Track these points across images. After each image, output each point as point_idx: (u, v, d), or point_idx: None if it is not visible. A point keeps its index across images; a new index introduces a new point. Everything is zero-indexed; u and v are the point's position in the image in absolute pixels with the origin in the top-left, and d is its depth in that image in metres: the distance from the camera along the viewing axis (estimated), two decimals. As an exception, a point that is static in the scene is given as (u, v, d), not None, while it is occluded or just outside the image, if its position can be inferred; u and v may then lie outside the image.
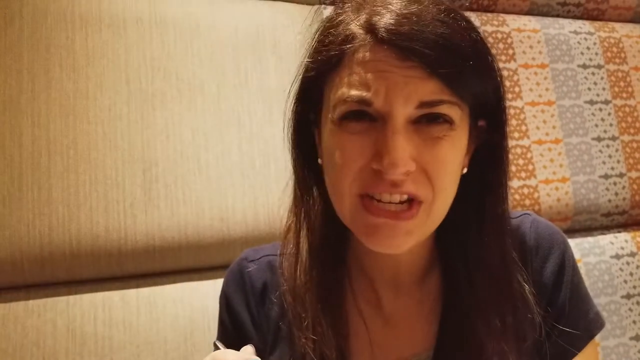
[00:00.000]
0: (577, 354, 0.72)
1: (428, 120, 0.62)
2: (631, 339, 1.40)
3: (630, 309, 1.42)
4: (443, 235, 0.71)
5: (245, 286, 0.76)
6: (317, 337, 0.67)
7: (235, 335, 0.76)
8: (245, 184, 1.12)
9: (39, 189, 0.99)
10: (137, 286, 1.07)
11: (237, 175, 1.12)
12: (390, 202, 0.61)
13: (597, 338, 1.30)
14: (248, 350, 0.55)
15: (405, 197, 0.61)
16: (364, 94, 0.60)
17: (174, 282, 1.09)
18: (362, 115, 0.62)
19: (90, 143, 1.03)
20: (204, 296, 1.09)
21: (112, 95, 1.05)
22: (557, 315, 0.72)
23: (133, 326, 1.04)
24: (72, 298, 1.03)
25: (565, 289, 0.72)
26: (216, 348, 0.55)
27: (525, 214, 0.77)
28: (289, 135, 0.73)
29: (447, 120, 0.62)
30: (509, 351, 0.66)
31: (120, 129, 1.05)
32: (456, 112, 0.63)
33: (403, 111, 0.60)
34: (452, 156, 0.63)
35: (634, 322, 1.41)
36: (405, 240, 0.63)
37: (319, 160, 0.70)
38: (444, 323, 0.71)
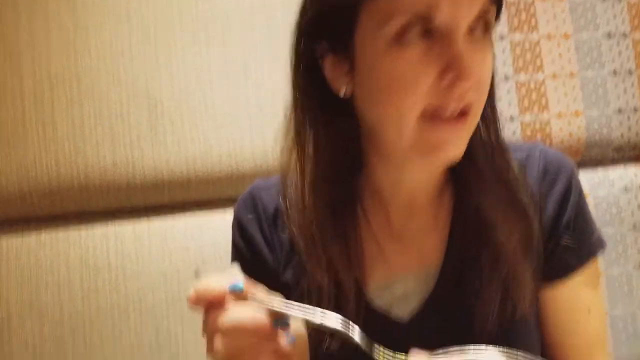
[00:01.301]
0: (577, 272, 0.71)
1: (482, 29, 0.59)
2: (635, 267, 1.35)
3: (635, 240, 1.36)
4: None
5: (258, 210, 0.74)
6: (327, 255, 0.66)
7: (251, 257, 0.74)
8: (252, 124, 1.06)
9: (43, 125, 0.93)
10: (148, 219, 1.04)
11: (243, 116, 1.06)
12: (450, 117, 0.59)
13: (601, 267, 1.26)
14: (233, 271, 0.51)
15: (462, 109, 0.59)
16: (428, 2, 0.56)
17: (185, 215, 1.04)
18: (422, 30, 0.57)
19: (93, 78, 0.96)
20: (214, 228, 1.04)
21: (112, 30, 0.96)
22: (561, 234, 0.70)
23: (145, 258, 1.01)
24: (84, 230, 1.00)
25: (570, 210, 0.70)
26: (197, 276, 0.48)
27: (534, 144, 0.74)
28: (293, 68, 0.67)
29: (490, 28, 0.60)
30: (516, 263, 0.65)
31: (123, 64, 0.98)
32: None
33: (468, 20, 0.57)
34: (493, 64, 0.61)
35: (638, 251, 1.35)
36: (464, 145, 0.61)
37: (342, 93, 0.64)
38: (453, 236, 0.69)
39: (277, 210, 0.73)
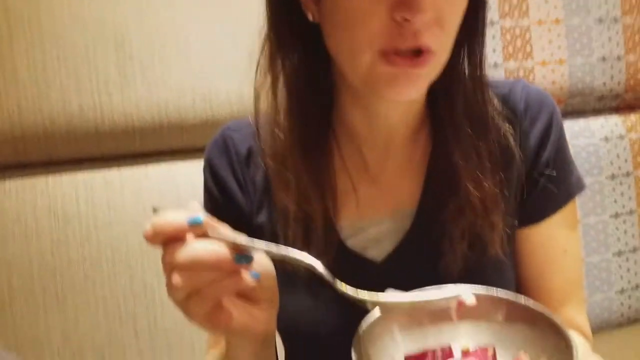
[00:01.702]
0: (555, 213, 0.70)
1: None
2: (611, 216, 1.35)
3: (613, 189, 1.37)
4: (432, 93, 0.67)
5: (229, 152, 0.72)
6: (300, 190, 0.65)
7: (223, 201, 0.72)
8: (228, 65, 1.00)
9: (2, 68, 0.85)
10: (119, 168, 0.99)
11: (219, 55, 1.00)
12: (406, 54, 0.57)
13: (579, 214, 1.25)
14: (192, 206, 0.47)
15: (418, 48, 0.57)
16: None
17: (158, 163, 0.98)
18: None
19: (55, 16, 0.89)
20: (190, 177, 1.00)
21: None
22: (540, 172, 0.69)
23: (118, 206, 0.96)
24: (51, 179, 0.95)
25: (550, 148, 0.69)
26: (155, 212, 0.46)
27: (516, 80, 0.73)
28: None
29: None
30: (489, 208, 0.64)
31: (87, 1, 0.88)
32: None
33: None
34: (462, 3, 0.59)
35: (615, 201, 1.36)
36: (421, 87, 0.60)
37: (310, 18, 0.63)
38: (429, 178, 0.68)
39: (249, 151, 0.71)
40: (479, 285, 0.50)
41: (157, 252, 1.00)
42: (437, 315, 0.49)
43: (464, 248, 0.64)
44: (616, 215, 1.35)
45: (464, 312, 0.48)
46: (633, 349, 1.21)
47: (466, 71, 0.65)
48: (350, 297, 0.47)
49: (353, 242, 0.67)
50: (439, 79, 0.62)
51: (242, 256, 0.45)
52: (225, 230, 0.46)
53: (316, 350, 0.68)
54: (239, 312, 0.48)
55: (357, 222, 0.68)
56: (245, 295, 0.49)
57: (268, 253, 0.45)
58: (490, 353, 0.45)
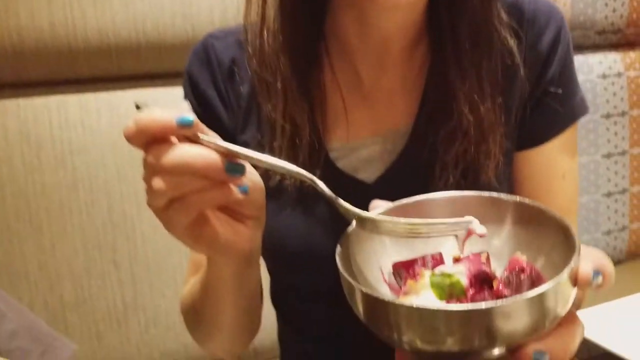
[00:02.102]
0: (558, 134, 0.68)
1: None
2: (603, 156, 1.34)
3: (607, 128, 1.35)
4: (434, 7, 0.63)
5: (211, 62, 0.66)
6: (287, 100, 0.61)
7: (204, 116, 0.66)
8: None
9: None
10: (95, 90, 0.93)
11: None
12: None
13: None
14: (183, 106, 0.44)
15: None
16: None
17: (136, 87, 0.93)
18: None
19: None
20: (170, 103, 0.92)
21: None
22: (545, 90, 0.66)
23: (94, 129, 0.92)
24: (22, 101, 0.90)
25: (556, 64, 0.66)
26: (138, 109, 0.41)
27: None
28: None
29: None
30: (493, 122, 0.61)
31: None
32: None
33: None
34: None
35: (608, 140, 1.34)
36: None
37: None
38: (426, 96, 0.65)
39: (233, 61, 0.66)
40: (469, 191, 0.47)
41: (137, 179, 0.97)
42: (428, 217, 0.45)
43: (456, 175, 0.61)
44: (608, 156, 1.34)
45: (454, 216, 0.45)
46: (616, 289, 1.22)
47: None
48: (351, 215, 0.43)
49: (344, 163, 0.64)
50: None
51: (234, 166, 0.40)
52: (216, 137, 0.41)
53: (305, 273, 0.67)
54: (223, 228, 0.44)
55: (347, 142, 0.65)
56: (231, 210, 0.45)
57: (265, 165, 0.41)
58: (483, 258, 0.42)
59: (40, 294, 0.90)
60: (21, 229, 0.89)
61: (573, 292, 0.36)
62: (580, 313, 0.40)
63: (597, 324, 0.54)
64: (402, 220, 0.43)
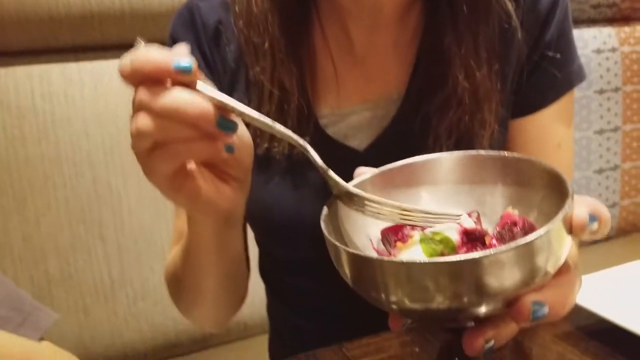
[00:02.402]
0: (554, 101, 0.67)
1: None
2: (595, 132, 1.34)
3: (600, 104, 1.35)
4: None
5: (196, 24, 0.65)
6: (276, 63, 0.60)
7: None
8: None
9: None
10: (78, 60, 0.91)
11: None
12: None
13: None
14: (181, 50, 0.39)
15: None
16: None
17: (120, 56, 0.89)
18: None
19: None
20: None
21: None
22: (542, 54, 0.65)
23: (77, 100, 0.90)
24: (2, 70, 0.87)
25: (554, 28, 0.65)
26: (137, 46, 0.39)
27: None
28: None
29: None
30: (478, 69, 0.60)
31: None
32: None
33: None
34: None
35: (601, 117, 1.34)
36: None
37: None
38: (419, 62, 0.63)
39: (219, 23, 0.64)
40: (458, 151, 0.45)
41: (122, 150, 0.96)
42: (413, 182, 0.45)
43: (450, 145, 0.60)
44: (600, 132, 1.34)
45: (441, 178, 0.44)
46: (608, 264, 1.23)
47: None
48: (341, 190, 0.42)
49: (334, 130, 0.63)
50: None
51: (226, 122, 0.38)
52: (214, 89, 0.39)
53: (294, 244, 0.66)
54: (205, 184, 0.43)
55: (338, 108, 0.64)
56: (216, 168, 0.44)
57: (259, 124, 0.39)
58: (474, 217, 0.41)
59: (25, 269, 0.89)
60: (4, 202, 0.87)
61: (568, 240, 0.35)
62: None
63: (590, 291, 0.54)
64: (391, 203, 0.42)
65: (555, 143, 0.68)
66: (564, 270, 0.37)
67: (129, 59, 0.37)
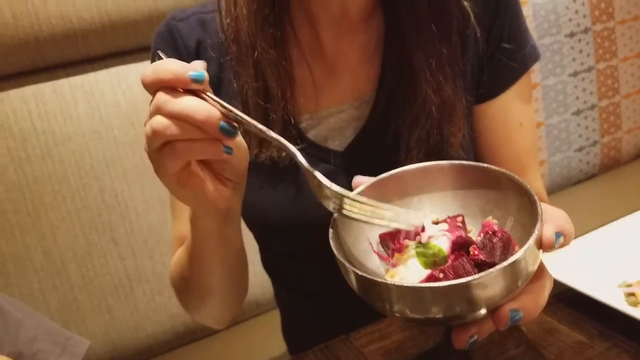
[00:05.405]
0: (511, 85, 0.72)
1: None
2: (569, 75, 1.40)
3: (571, 47, 1.40)
4: None
5: (178, 45, 0.69)
6: (259, 77, 0.64)
7: None
8: None
9: None
10: (67, 75, 0.97)
11: None
12: None
13: (538, 77, 1.30)
14: (197, 64, 0.46)
15: None
16: None
17: (107, 67, 0.97)
18: None
19: None
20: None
21: None
22: (495, 44, 0.70)
23: (73, 117, 0.95)
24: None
25: (504, 17, 0.69)
26: (158, 58, 0.47)
27: None
28: None
29: None
30: (445, 81, 0.65)
31: None
32: None
33: None
34: None
35: (574, 59, 1.40)
36: None
37: None
38: (385, 64, 0.68)
39: (199, 43, 0.69)
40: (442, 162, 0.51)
41: (122, 159, 1.02)
42: (404, 189, 0.51)
43: (420, 155, 0.65)
44: (575, 74, 1.38)
45: (429, 185, 0.51)
46: (591, 202, 1.32)
47: None
48: (327, 193, 0.45)
49: (314, 134, 0.68)
50: None
51: (228, 127, 0.45)
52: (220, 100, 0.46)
53: (291, 241, 0.72)
54: (206, 183, 0.50)
55: (316, 112, 0.68)
56: (214, 171, 0.51)
57: (256, 130, 0.45)
58: (459, 220, 0.48)
59: (49, 279, 0.97)
60: (21, 220, 0.94)
61: (539, 254, 0.42)
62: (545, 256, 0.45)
63: (560, 262, 0.59)
64: (369, 202, 0.46)
65: (517, 122, 0.73)
66: (536, 276, 0.43)
67: (151, 69, 0.44)
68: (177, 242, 0.74)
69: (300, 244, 0.71)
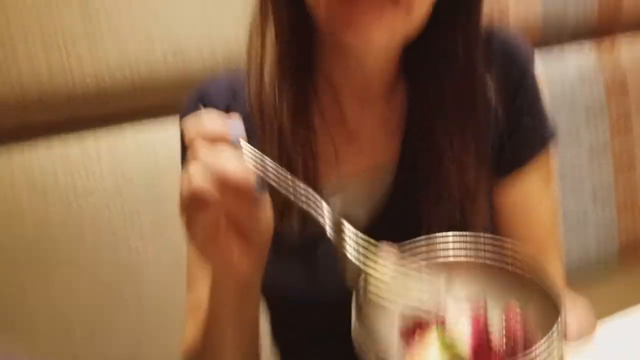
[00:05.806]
0: (531, 161, 0.72)
1: None
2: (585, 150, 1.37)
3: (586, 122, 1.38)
4: (412, 51, 0.67)
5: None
6: (282, 146, 0.65)
7: None
8: (195, 14, 0.99)
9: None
10: (95, 132, 0.98)
11: (186, 4, 0.98)
12: None
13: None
14: (236, 122, 0.47)
15: None
16: None
17: (134, 125, 0.99)
18: None
19: None
20: (167, 136, 1.00)
21: None
22: (516, 120, 0.71)
23: (96, 172, 0.97)
24: (26, 147, 0.94)
25: (525, 95, 0.71)
26: (199, 109, 0.48)
27: (491, 25, 0.73)
28: None
29: None
30: (468, 162, 0.66)
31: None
32: None
33: None
34: None
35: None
36: (383, 33, 0.57)
37: None
38: (407, 137, 0.69)
39: (228, 109, 0.70)
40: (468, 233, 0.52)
41: (140, 216, 1.02)
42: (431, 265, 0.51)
43: (443, 218, 0.65)
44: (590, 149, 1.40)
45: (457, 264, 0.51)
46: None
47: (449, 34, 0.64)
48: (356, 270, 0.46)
49: (334, 202, 0.68)
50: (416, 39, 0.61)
51: (257, 189, 0.46)
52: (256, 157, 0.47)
53: (307, 316, 0.70)
54: (232, 245, 0.49)
55: (337, 182, 0.69)
56: (241, 233, 0.50)
57: (291, 195, 0.46)
58: (482, 323, 0.47)
59: (55, 341, 0.95)
60: (35, 283, 0.93)
61: (562, 346, 0.42)
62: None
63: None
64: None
65: (538, 202, 0.73)
66: None
67: (193, 122, 0.46)
68: (190, 308, 0.72)
69: (315, 319, 0.70)
